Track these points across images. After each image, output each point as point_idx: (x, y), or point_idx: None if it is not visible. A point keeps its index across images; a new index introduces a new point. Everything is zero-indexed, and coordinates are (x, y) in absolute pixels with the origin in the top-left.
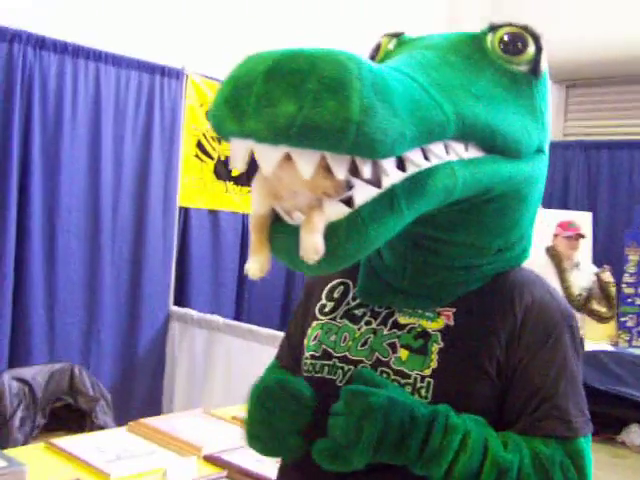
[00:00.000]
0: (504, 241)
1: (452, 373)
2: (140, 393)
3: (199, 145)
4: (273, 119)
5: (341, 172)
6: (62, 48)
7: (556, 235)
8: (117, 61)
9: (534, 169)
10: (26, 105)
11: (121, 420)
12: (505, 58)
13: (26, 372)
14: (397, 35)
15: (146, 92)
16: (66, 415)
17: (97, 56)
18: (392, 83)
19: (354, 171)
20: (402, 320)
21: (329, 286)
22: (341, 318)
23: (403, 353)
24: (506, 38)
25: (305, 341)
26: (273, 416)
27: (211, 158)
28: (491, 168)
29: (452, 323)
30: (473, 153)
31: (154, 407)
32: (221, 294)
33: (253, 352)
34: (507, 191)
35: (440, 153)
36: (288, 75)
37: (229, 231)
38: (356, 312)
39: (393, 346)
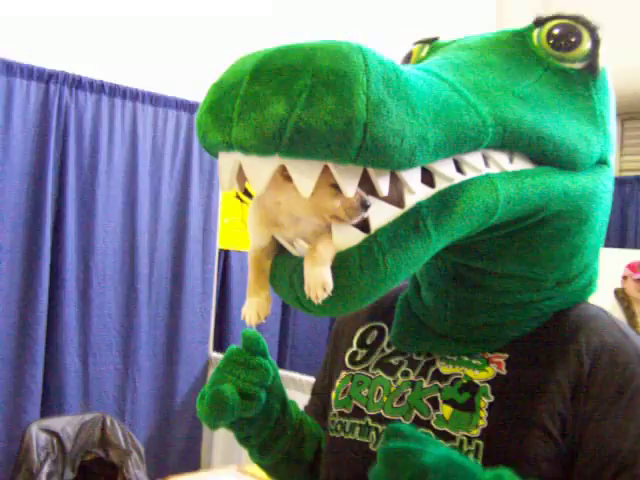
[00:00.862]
0: (563, 272)
1: (505, 433)
2: (177, 445)
3: None
4: (261, 124)
5: (350, 188)
6: (98, 87)
7: (625, 277)
8: (154, 99)
9: (596, 183)
10: (61, 145)
11: (155, 475)
12: (556, 55)
13: (55, 423)
14: (430, 41)
15: (184, 131)
16: (97, 469)
17: (134, 95)
18: (411, 78)
19: (369, 187)
20: (445, 370)
21: (361, 331)
22: (374, 368)
23: (446, 410)
24: (556, 32)
25: (333, 394)
26: None
27: (252, 198)
28: (542, 182)
29: (504, 372)
30: (520, 165)
31: (191, 460)
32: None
33: (296, 402)
34: (563, 210)
35: (477, 164)
36: (279, 72)
37: None
38: (392, 361)
39: (434, 402)
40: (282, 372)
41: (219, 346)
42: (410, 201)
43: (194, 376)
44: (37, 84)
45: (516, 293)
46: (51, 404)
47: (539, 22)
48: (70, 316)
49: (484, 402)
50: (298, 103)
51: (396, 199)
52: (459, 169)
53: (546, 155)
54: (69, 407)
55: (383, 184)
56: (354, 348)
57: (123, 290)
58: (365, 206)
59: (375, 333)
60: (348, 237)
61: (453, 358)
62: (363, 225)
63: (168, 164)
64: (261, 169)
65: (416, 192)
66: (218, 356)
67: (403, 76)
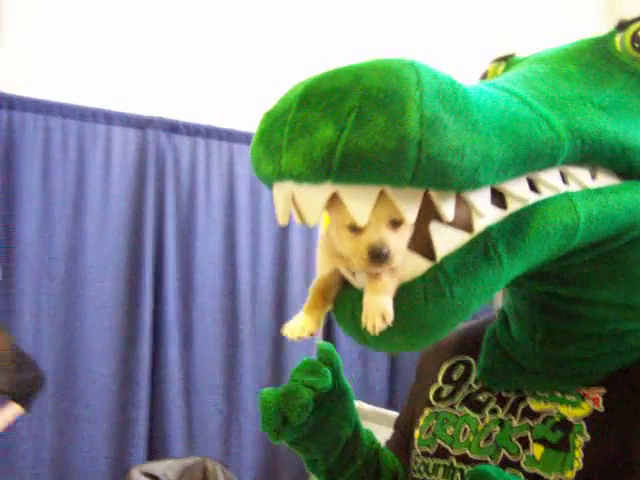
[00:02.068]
0: None
1: (604, 476)
2: None
3: None
4: (310, 150)
5: (410, 213)
6: (194, 130)
7: None
8: (250, 139)
9: None
10: (160, 188)
11: None
12: None
13: (157, 467)
14: (506, 58)
15: None
16: None
17: (230, 136)
18: (471, 92)
19: (435, 212)
20: (536, 407)
21: (446, 366)
22: (461, 406)
23: (537, 450)
24: None
25: (416, 433)
26: None
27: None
28: (629, 198)
29: (601, 409)
30: (604, 180)
31: None
32: (371, 378)
33: (372, 431)
34: None
35: (554, 182)
36: (326, 95)
37: None
38: (479, 398)
39: (524, 441)
40: (392, 412)
41: None
42: (479, 225)
43: None
44: (135, 131)
45: (612, 322)
46: (156, 447)
47: (622, 25)
48: (173, 358)
49: (579, 441)
50: (347, 125)
51: (464, 224)
52: (534, 188)
53: (633, 168)
54: (173, 450)
55: (447, 208)
56: (439, 384)
57: (225, 330)
58: (380, 257)
59: (462, 368)
60: (412, 267)
61: (545, 394)
62: (429, 253)
63: (267, 201)
64: (313, 198)
65: (486, 215)
66: None
67: (462, 90)
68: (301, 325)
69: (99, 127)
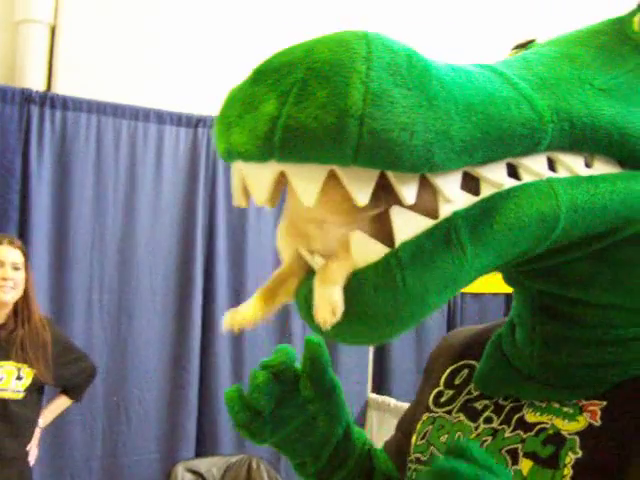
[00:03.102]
0: None
1: None
2: None
3: None
4: (254, 126)
5: (362, 195)
6: None
7: None
8: None
9: None
10: (211, 187)
11: None
12: None
13: (202, 464)
14: (526, 44)
15: None
16: None
17: None
18: (437, 68)
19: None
20: (530, 417)
21: (451, 368)
22: (457, 412)
23: (525, 465)
24: None
25: (413, 437)
26: None
27: None
28: (624, 187)
29: (598, 423)
30: (602, 169)
31: None
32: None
33: (365, 433)
34: None
35: (538, 169)
36: (276, 70)
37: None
38: (476, 405)
39: (514, 454)
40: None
41: (378, 387)
42: (445, 211)
43: (353, 417)
44: (186, 130)
45: (617, 327)
46: (205, 444)
47: None
48: (223, 358)
49: (570, 458)
50: (289, 99)
51: (429, 209)
52: (515, 175)
53: (635, 157)
54: (222, 448)
55: (407, 191)
56: (440, 387)
57: (276, 330)
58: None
59: (465, 372)
60: (368, 252)
61: (542, 404)
62: (390, 240)
63: None
64: (260, 176)
65: (453, 201)
66: (377, 398)
67: (421, 65)
68: (243, 312)
69: (151, 126)
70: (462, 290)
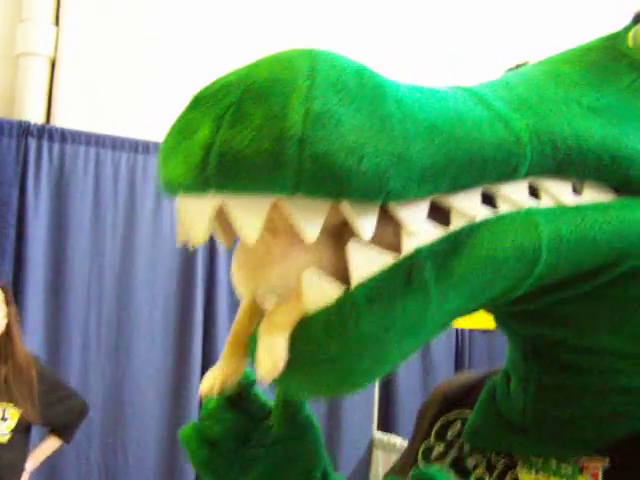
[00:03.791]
0: None
1: None
2: None
3: None
4: (189, 154)
5: (311, 228)
6: None
7: None
8: None
9: None
10: None
11: None
12: None
13: None
14: (519, 67)
15: None
16: None
17: None
18: (390, 86)
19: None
20: (524, 477)
21: (443, 420)
22: (447, 469)
23: None
24: None
25: None
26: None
27: None
28: (616, 217)
29: None
30: (591, 197)
31: None
32: None
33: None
34: None
35: (517, 198)
36: (215, 92)
37: (440, 349)
38: (467, 463)
39: None
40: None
41: (384, 425)
42: (409, 246)
43: (357, 458)
44: None
45: (619, 376)
46: None
47: (638, 18)
48: None
49: None
50: (223, 123)
51: (391, 244)
52: (493, 205)
53: (631, 182)
54: None
55: (365, 223)
56: (431, 441)
57: None
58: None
59: (459, 424)
60: (322, 293)
61: (539, 461)
62: (347, 279)
63: None
64: (197, 211)
65: (418, 233)
66: (383, 436)
67: (374, 82)
68: (211, 383)
69: (150, 159)
70: (470, 326)
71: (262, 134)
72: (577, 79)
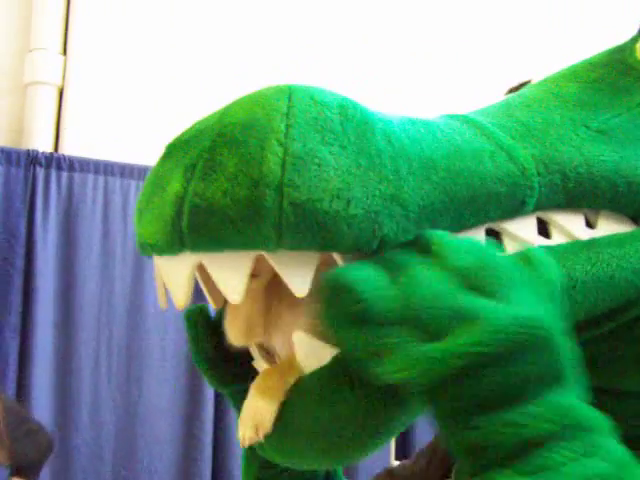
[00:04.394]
0: None
1: None
2: None
3: None
4: (161, 211)
5: (300, 283)
6: None
7: None
8: None
9: None
10: None
11: None
12: None
13: None
14: (521, 87)
15: None
16: None
17: None
18: (379, 121)
19: None
20: None
21: None
22: None
23: None
24: None
25: None
26: None
27: None
28: (637, 251)
29: None
30: (607, 229)
31: None
32: None
33: None
34: None
35: (525, 234)
36: (187, 140)
37: None
38: None
39: None
40: None
41: (402, 454)
42: None
43: None
44: None
45: None
46: None
47: None
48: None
49: None
50: (195, 173)
51: None
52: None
53: None
54: None
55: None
56: None
57: None
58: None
59: None
60: (314, 357)
61: None
62: None
63: None
64: (176, 273)
65: None
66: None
67: (360, 117)
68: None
69: None
70: None
71: (237, 182)
72: (584, 98)
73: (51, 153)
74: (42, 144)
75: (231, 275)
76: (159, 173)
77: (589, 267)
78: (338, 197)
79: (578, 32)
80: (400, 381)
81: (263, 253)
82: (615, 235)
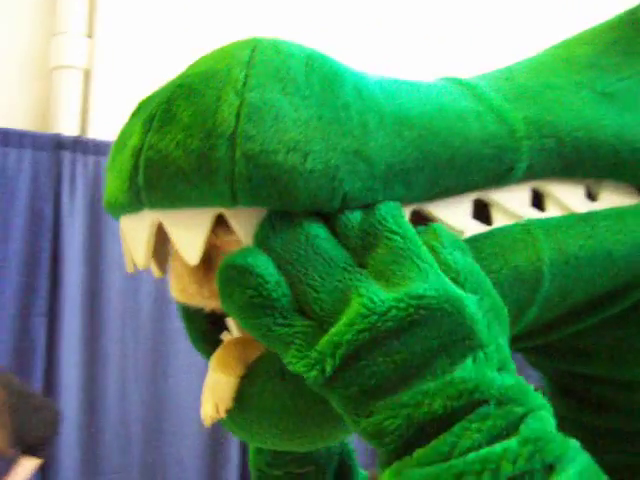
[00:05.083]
0: None
1: None
2: None
3: None
4: (121, 167)
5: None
6: None
7: None
8: None
9: None
10: None
11: None
12: None
13: None
14: None
15: None
16: None
17: None
18: (352, 72)
19: None
20: None
21: None
22: None
23: None
24: None
25: None
26: None
27: None
28: (638, 225)
29: None
30: (611, 200)
31: None
32: None
33: None
34: None
35: (514, 207)
36: (153, 96)
37: None
38: None
39: None
40: None
41: None
42: None
43: None
44: None
45: None
46: None
47: None
48: None
49: None
50: (153, 125)
51: None
52: (487, 217)
53: None
54: None
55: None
56: None
57: None
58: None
59: None
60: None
61: None
62: None
63: None
64: (136, 231)
65: None
66: None
67: (328, 68)
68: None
69: None
70: None
71: (190, 133)
72: (593, 61)
73: (77, 137)
74: (68, 128)
75: (188, 234)
76: (124, 130)
77: (583, 242)
78: (294, 150)
79: (594, 14)
80: (300, 374)
81: (223, 211)
82: (613, 208)
